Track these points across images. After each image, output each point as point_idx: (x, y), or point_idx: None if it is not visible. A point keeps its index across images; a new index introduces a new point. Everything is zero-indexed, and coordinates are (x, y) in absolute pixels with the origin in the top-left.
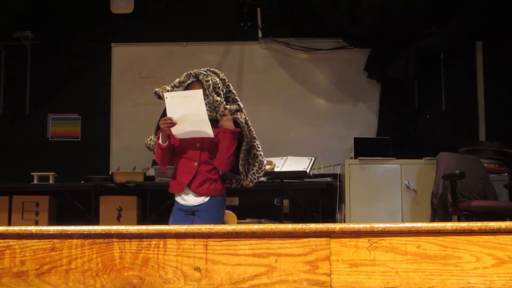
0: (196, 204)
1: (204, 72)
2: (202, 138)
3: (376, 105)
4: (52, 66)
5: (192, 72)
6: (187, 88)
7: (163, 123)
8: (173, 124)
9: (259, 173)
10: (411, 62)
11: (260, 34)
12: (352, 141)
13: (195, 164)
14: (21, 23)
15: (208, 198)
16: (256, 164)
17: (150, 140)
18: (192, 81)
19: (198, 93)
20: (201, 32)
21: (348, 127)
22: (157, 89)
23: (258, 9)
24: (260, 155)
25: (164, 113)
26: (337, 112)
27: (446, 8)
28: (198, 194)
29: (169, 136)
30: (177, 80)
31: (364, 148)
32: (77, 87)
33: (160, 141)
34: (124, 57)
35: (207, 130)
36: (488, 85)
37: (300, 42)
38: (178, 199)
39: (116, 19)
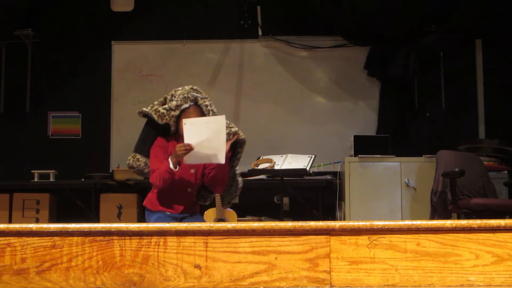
0: (185, 214)
1: (200, 96)
2: (197, 164)
3: (376, 103)
4: (53, 64)
5: (189, 95)
6: (184, 111)
7: (181, 149)
8: (191, 149)
9: (237, 192)
10: (411, 60)
11: (260, 32)
12: (352, 139)
13: (189, 190)
14: (22, 21)
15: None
16: (234, 184)
17: (137, 161)
18: (190, 105)
19: (221, 119)
20: (201, 30)
21: (348, 125)
22: (145, 109)
23: (258, 7)
24: (238, 174)
25: (145, 132)
26: (337, 110)
27: (446, 6)
28: (186, 213)
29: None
30: (174, 103)
31: (364, 146)
32: (78, 85)
33: (171, 166)
34: (124, 55)
35: (221, 156)
36: (487, 83)
37: (300, 40)
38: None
39: (117, 17)
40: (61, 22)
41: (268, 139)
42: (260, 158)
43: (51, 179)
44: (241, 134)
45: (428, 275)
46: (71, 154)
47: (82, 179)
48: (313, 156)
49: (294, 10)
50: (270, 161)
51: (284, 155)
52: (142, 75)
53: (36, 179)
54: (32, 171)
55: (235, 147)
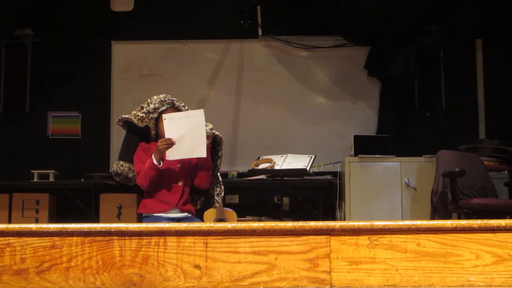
0: (182, 216)
1: (175, 99)
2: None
3: (376, 103)
4: (52, 63)
5: (166, 99)
6: (162, 113)
7: (163, 144)
8: (172, 144)
9: (222, 193)
10: (411, 60)
11: (260, 32)
12: (352, 139)
13: (180, 183)
14: (21, 21)
15: (190, 214)
16: (218, 185)
17: (121, 166)
18: (167, 107)
19: (199, 113)
20: (201, 30)
21: (348, 124)
22: (125, 116)
23: (258, 7)
24: (219, 175)
25: (127, 140)
26: (337, 110)
27: (446, 6)
28: (182, 210)
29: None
30: (152, 106)
31: (364, 146)
32: (77, 84)
33: (155, 162)
34: (124, 54)
35: (202, 149)
36: (487, 83)
37: (300, 40)
38: (162, 215)
39: (116, 16)
40: (61, 22)
41: (268, 139)
42: (260, 158)
43: (51, 179)
44: (216, 132)
45: (428, 275)
46: (71, 154)
47: (82, 179)
48: (313, 156)
49: (294, 10)
50: (270, 161)
51: (284, 155)
52: (142, 75)
53: (35, 179)
54: (32, 171)
55: (215, 145)
